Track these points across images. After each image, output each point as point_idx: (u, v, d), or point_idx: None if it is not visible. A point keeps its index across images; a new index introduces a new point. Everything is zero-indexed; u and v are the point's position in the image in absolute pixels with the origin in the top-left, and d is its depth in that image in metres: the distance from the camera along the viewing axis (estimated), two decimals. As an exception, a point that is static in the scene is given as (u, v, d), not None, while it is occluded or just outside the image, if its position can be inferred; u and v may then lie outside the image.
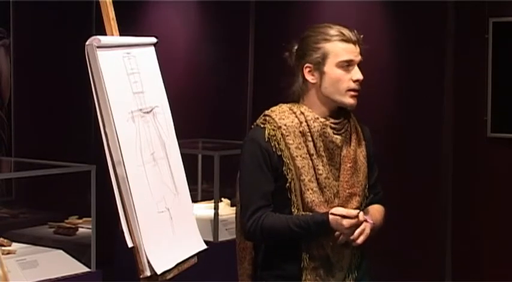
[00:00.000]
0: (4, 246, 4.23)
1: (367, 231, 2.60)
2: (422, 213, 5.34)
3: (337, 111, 2.73)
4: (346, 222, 2.57)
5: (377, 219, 2.74)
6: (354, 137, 2.74)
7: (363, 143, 2.77)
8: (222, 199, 5.11)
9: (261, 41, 6.05)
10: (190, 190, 2.77)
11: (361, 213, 2.60)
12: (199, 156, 5.69)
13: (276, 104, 2.77)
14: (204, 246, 2.76)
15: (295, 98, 2.75)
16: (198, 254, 2.71)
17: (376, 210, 2.79)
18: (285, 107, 2.74)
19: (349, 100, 2.68)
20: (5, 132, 5.83)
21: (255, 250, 2.79)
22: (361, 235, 2.59)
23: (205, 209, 5.17)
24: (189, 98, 6.19)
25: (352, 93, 2.68)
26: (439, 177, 5.30)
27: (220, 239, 4.80)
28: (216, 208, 4.86)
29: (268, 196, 2.66)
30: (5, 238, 4.32)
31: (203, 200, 5.56)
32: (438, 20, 5.29)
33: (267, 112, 2.74)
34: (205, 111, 6.28)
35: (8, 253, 4.08)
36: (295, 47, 2.75)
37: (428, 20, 5.33)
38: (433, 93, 5.32)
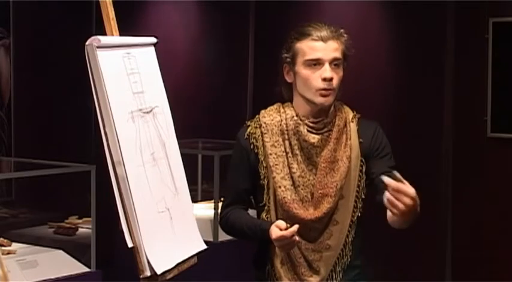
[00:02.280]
0: (4, 246, 4.23)
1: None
2: (422, 213, 5.32)
3: (327, 110, 2.70)
4: (273, 233, 2.56)
5: None
6: (336, 136, 2.68)
7: (350, 143, 2.70)
8: (222, 199, 5.10)
9: (261, 40, 6.05)
10: (190, 190, 2.77)
11: (295, 226, 2.52)
12: (199, 156, 5.70)
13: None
14: (204, 246, 2.76)
15: (288, 98, 2.76)
16: (198, 254, 2.71)
17: None
18: (276, 105, 2.77)
19: (318, 99, 2.65)
20: (5, 132, 5.83)
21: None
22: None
23: (205, 209, 5.17)
24: (189, 98, 6.19)
25: (323, 92, 2.64)
26: (439, 177, 5.29)
27: (220, 239, 4.79)
28: (216, 208, 4.85)
29: (242, 193, 2.77)
30: (5, 238, 4.32)
31: (203, 200, 5.56)
32: (438, 20, 5.28)
33: (261, 111, 2.77)
34: (205, 111, 6.27)
35: (8, 253, 4.08)
36: None
37: (428, 20, 5.32)
38: (433, 93, 5.31)
